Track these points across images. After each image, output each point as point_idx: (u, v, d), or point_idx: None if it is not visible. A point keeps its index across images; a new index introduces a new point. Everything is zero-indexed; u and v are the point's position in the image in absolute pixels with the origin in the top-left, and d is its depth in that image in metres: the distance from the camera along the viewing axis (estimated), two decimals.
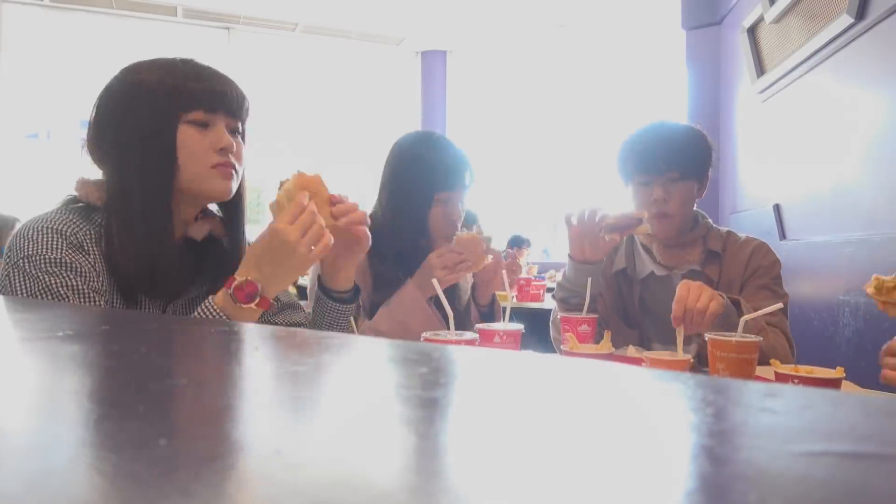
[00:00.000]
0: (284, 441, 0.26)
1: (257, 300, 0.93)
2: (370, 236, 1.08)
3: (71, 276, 0.91)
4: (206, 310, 0.93)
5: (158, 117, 0.96)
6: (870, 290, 1.03)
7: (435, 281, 1.18)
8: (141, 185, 0.96)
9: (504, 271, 1.50)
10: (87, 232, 0.96)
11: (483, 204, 4.41)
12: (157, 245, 0.96)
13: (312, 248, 0.94)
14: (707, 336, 1.07)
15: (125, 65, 1.03)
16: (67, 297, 0.90)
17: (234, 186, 1.03)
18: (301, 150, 6.23)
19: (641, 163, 1.40)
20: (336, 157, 6.11)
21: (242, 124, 1.05)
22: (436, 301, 1.40)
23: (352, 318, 1.16)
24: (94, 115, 1.00)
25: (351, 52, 6.04)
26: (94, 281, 0.93)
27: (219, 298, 0.93)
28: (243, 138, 1.06)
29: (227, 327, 0.76)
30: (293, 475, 0.21)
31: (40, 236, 0.92)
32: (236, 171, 1.02)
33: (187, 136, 0.97)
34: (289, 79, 5.98)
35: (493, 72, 6.18)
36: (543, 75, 5.81)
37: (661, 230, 1.43)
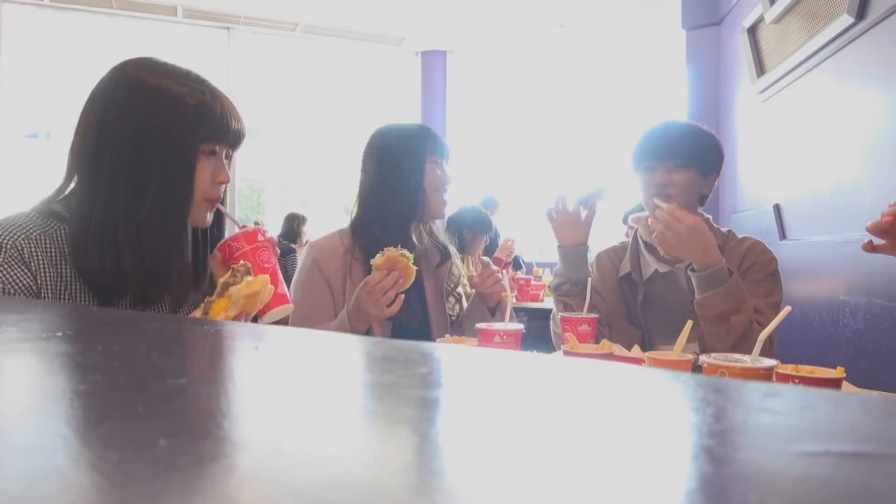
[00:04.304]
0: (284, 441, 0.26)
1: None
2: None
3: None
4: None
5: (184, 138, 0.96)
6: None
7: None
8: (160, 204, 0.94)
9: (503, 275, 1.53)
10: (37, 237, 0.91)
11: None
12: (177, 261, 0.97)
13: None
14: (707, 362, 0.97)
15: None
16: None
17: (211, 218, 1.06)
18: (301, 151, 6.23)
19: (648, 150, 1.48)
20: (336, 157, 6.11)
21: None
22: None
23: None
24: (94, 115, 0.96)
25: (351, 52, 6.04)
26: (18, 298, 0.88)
27: None
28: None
29: (226, 327, 0.76)
30: (293, 475, 0.21)
31: None
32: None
33: (202, 165, 0.99)
34: (289, 79, 5.97)
35: (493, 72, 6.17)
36: (543, 75, 5.80)
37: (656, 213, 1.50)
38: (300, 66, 6.00)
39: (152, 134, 0.94)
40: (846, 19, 2.26)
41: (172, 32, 5.46)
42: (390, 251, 1.33)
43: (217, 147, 1.00)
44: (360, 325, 1.40)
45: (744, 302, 1.30)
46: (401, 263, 1.33)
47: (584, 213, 1.52)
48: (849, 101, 2.38)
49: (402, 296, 1.35)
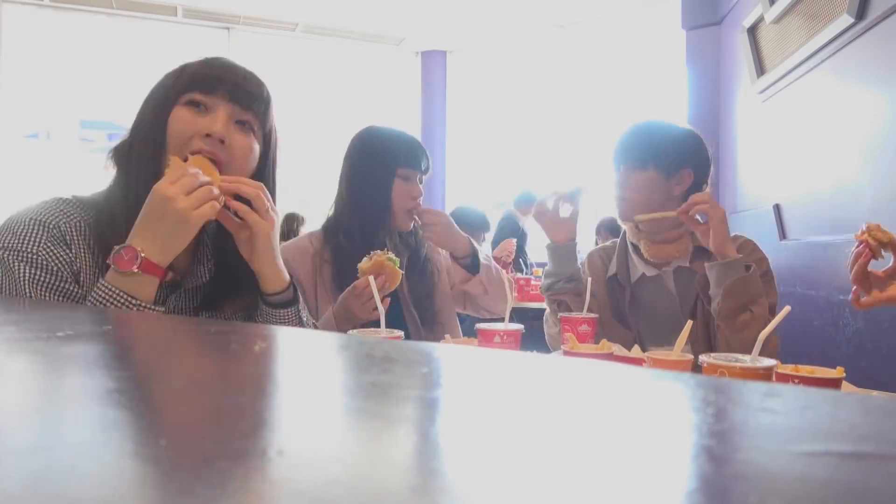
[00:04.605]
0: (285, 441, 0.26)
1: (139, 263, 0.86)
2: (262, 213, 0.96)
3: (42, 274, 0.90)
4: (98, 289, 0.87)
5: (160, 100, 0.96)
6: (865, 236, 1.11)
7: (372, 279, 1.23)
8: (136, 176, 0.95)
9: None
10: (76, 224, 0.94)
11: (482, 203, 4.41)
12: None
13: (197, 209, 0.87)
14: (707, 362, 0.96)
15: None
16: (32, 293, 0.89)
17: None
18: (301, 150, 6.23)
19: (613, 152, 1.55)
20: (336, 158, 6.11)
21: (259, 119, 1.00)
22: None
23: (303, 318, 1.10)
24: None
25: (351, 52, 6.04)
26: (65, 279, 0.91)
27: (108, 273, 0.88)
28: (267, 141, 1.03)
29: (227, 327, 0.76)
30: (293, 475, 0.21)
31: (22, 228, 0.92)
32: (223, 165, 0.96)
33: (176, 118, 0.95)
34: (289, 79, 5.97)
35: (492, 72, 6.17)
36: (543, 75, 5.80)
37: (618, 212, 1.55)
38: (300, 66, 6.00)
39: (143, 109, 0.97)
40: (846, 19, 2.26)
41: (172, 32, 5.46)
42: (377, 255, 1.35)
43: (201, 96, 0.96)
44: (346, 325, 1.41)
45: (761, 295, 1.32)
46: (387, 267, 1.34)
47: (568, 211, 1.55)
48: (849, 101, 2.38)
49: (388, 299, 1.36)
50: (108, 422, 0.29)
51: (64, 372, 0.40)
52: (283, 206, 6.07)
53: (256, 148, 1.01)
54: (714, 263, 1.35)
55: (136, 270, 0.86)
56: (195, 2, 5.13)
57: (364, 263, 1.35)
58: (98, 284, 0.88)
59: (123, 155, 0.98)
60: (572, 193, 1.55)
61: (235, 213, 0.96)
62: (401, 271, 1.37)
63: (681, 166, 1.48)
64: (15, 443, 0.25)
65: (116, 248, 0.87)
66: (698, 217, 1.37)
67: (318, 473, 0.22)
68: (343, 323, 1.41)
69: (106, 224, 0.94)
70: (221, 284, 1.04)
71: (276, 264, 1.01)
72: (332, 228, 1.59)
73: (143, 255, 0.86)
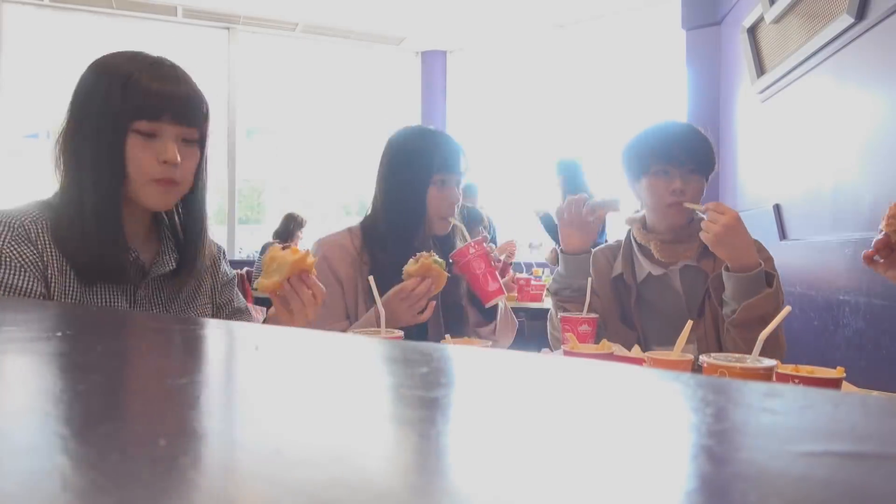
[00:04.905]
0: (284, 441, 0.26)
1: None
2: (308, 318, 1.10)
3: (7, 273, 0.93)
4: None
5: (109, 125, 0.97)
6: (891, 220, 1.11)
7: (372, 280, 1.21)
8: (94, 191, 0.97)
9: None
10: (42, 222, 0.97)
11: (483, 203, 4.41)
12: (110, 246, 0.98)
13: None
14: (707, 362, 0.96)
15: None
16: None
17: (174, 199, 1.05)
18: (301, 151, 6.23)
19: (661, 154, 1.43)
20: (336, 157, 6.11)
21: (200, 131, 1.04)
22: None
23: None
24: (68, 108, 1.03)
25: (351, 52, 6.04)
26: (31, 277, 0.94)
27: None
28: (202, 144, 1.06)
29: (227, 327, 0.76)
30: (293, 475, 0.21)
31: None
32: (177, 185, 1.03)
33: (133, 147, 0.98)
34: (289, 79, 5.98)
35: (492, 72, 6.17)
36: (543, 75, 5.80)
37: (678, 218, 1.45)
38: (300, 66, 6.00)
39: (89, 118, 0.99)
40: (846, 19, 2.26)
41: (172, 32, 5.46)
42: (424, 257, 1.33)
43: (149, 124, 0.98)
44: (391, 325, 1.39)
45: (780, 306, 1.28)
46: (434, 270, 1.32)
47: (591, 218, 1.50)
48: (849, 101, 2.38)
49: (434, 302, 1.35)
50: (108, 421, 0.29)
51: (64, 372, 0.40)
52: (284, 206, 6.08)
53: (199, 156, 1.07)
54: (734, 275, 1.30)
55: None
56: (195, 2, 5.13)
57: (410, 266, 1.32)
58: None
59: (71, 152, 1.00)
60: (607, 202, 1.50)
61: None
62: (447, 274, 1.35)
63: (710, 172, 1.49)
64: (15, 443, 0.25)
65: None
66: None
67: (318, 473, 0.22)
68: (387, 321, 1.35)
69: (65, 227, 0.98)
70: (187, 271, 1.11)
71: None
72: (369, 230, 1.54)
73: None
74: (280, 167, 6.34)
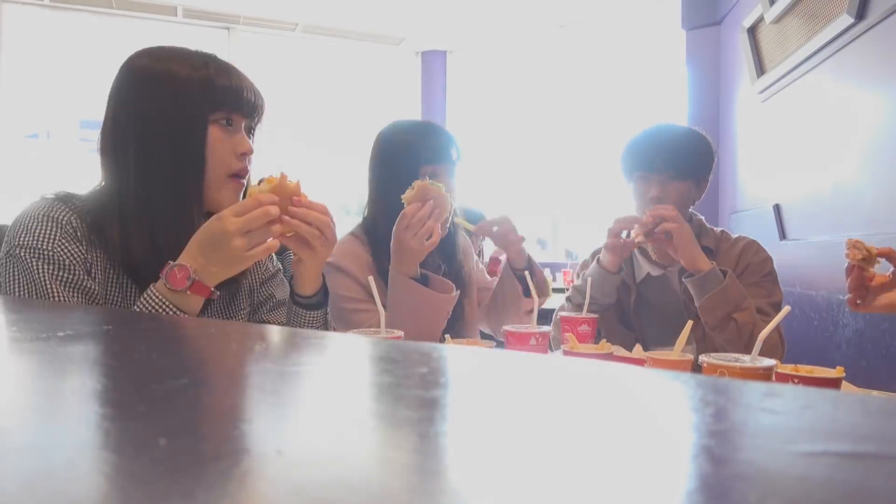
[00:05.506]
0: (285, 441, 0.26)
1: (190, 284, 0.88)
2: (329, 240, 1.01)
3: (58, 271, 0.92)
4: (148, 296, 0.89)
5: (189, 113, 0.95)
6: (853, 251, 1.11)
7: (372, 280, 1.15)
8: (173, 184, 0.95)
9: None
10: (85, 219, 0.96)
11: (483, 203, 4.41)
12: (175, 250, 0.93)
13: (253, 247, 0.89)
14: (707, 362, 0.96)
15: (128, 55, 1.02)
16: (53, 289, 0.91)
17: (241, 197, 1.02)
18: (301, 150, 6.23)
19: (642, 160, 1.46)
20: (336, 157, 6.11)
21: (255, 125, 1.05)
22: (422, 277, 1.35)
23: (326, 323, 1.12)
24: (108, 112, 0.98)
25: (351, 52, 6.04)
26: (79, 274, 0.93)
27: (159, 284, 0.90)
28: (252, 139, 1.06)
29: (225, 327, 0.76)
30: (293, 475, 0.21)
31: (35, 225, 0.93)
32: (243, 180, 1.02)
33: (215, 138, 0.96)
34: (289, 79, 5.97)
35: (493, 72, 6.17)
36: (543, 75, 5.80)
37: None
38: (300, 66, 6.00)
39: (159, 118, 0.95)
40: (846, 19, 2.26)
41: (172, 32, 5.46)
42: (418, 183, 1.27)
43: (231, 116, 0.98)
44: (408, 268, 1.31)
45: (744, 299, 1.30)
46: (432, 191, 1.27)
47: (637, 240, 1.43)
48: (849, 101, 2.38)
49: (439, 228, 1.28)
50: (108, 421, 0.29)
51: (64, 372, 0.40)
52: None
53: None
54: (691, 279, 1.33)
55: (187, 293, 0.89)
56: (195, 2, 5.13)
57: (408, 193, 1.28)
58: (149, 292, 0.90)
59: (122, 152, 0.96)
60: (653, 232, 1.40)
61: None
62: (447, 194, 1.29)
63: (708, 175, 1.50)
64: (15, 442, 0.25)
65: (171, 264, 0.89)
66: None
67: (318, 473, 0.22)
68: (404, 266, 1.32)
69: (131, 227, 0.94)
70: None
71: (319, 274, 1.07)
72: (371, 231, 1.49)
73: (195, 276, 0.89)
74: (280, 167, 6.34)
